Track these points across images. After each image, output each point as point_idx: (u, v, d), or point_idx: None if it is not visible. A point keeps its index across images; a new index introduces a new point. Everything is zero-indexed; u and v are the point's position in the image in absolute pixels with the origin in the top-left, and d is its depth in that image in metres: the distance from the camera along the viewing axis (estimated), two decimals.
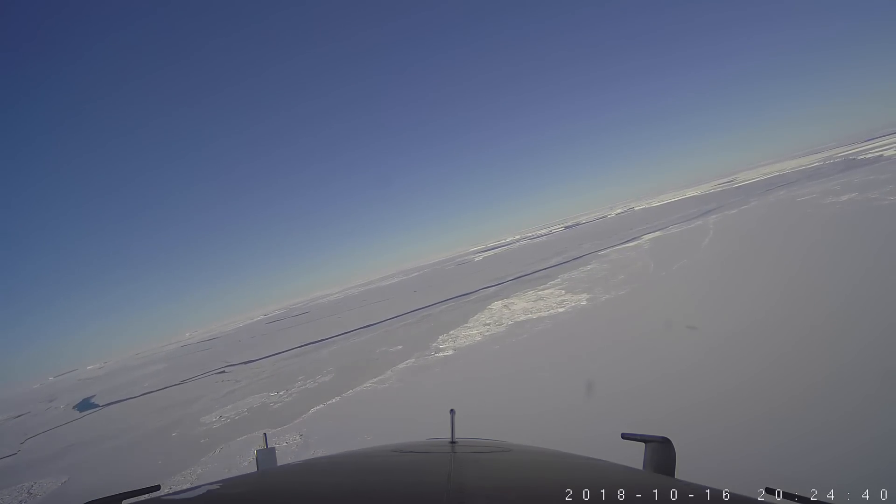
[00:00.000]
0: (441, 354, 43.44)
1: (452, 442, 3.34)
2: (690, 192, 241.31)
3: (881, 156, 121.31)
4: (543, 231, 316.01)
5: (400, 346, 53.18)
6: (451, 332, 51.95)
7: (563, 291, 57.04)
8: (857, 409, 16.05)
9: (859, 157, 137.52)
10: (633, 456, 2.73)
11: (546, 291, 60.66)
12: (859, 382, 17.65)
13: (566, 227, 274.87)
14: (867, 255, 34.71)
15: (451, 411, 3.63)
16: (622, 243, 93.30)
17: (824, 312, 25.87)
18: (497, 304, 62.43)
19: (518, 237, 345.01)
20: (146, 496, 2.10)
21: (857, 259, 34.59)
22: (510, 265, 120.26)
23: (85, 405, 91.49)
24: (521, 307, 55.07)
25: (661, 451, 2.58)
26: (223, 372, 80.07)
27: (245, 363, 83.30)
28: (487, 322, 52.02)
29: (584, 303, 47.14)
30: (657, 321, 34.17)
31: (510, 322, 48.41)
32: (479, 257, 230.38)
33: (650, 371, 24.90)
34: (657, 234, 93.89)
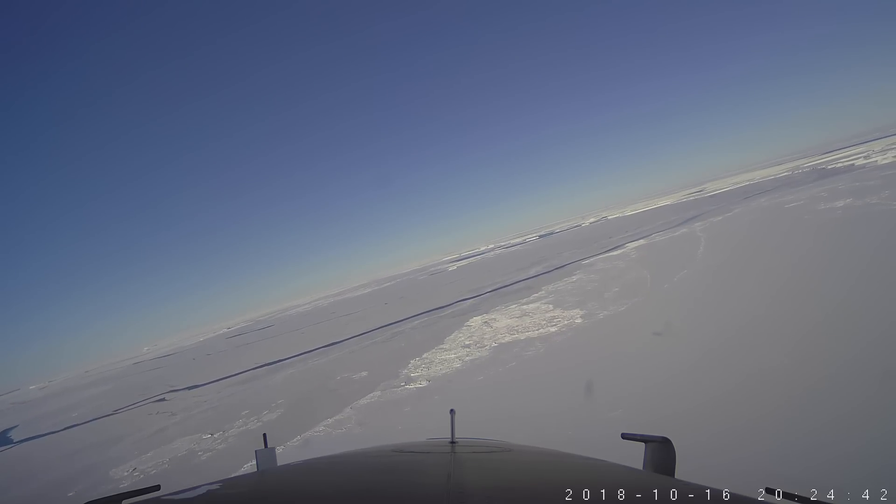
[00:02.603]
0: (412, 386, 35.97)
1: (452, 442, 3.33)
2: (662, 202, 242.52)
3: (853, 164, 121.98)
4: (518, 240, 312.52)
5: (364, 373, 45.35)
6: (425, 356, 44.51)
7: (550, 306, 50.60)
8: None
9: (829, 167, 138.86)
10: (633, 456, 2.73)
11: (531, 306, 54.12)
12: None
13: (541, 236, 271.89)
14: (879, 258, 32.53)
15: (451, 411, 3.58)
16: (605, 252, 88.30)
17: (832, 312, 25.49)
18: (476, 321, 55.42)
19: (492, 246, 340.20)
20: (146, 496, 2.08)
21: (869, 262, 32.31)
22: (487, 275, 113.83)
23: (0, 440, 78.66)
24: (504, 325, 48.25)
25: (661, 451, 2.55)
26: (162, 400, 69.74)
27: (189, 388, 73.18)
28: (466, 343, 44.86)
29: (578, 320, 40.69)
30: (675, 341, 28.18)
31: (493, 344, 41.42)
32: (454, 267, 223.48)
33: (691, 403, 18.41)
34: (641, 241, 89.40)
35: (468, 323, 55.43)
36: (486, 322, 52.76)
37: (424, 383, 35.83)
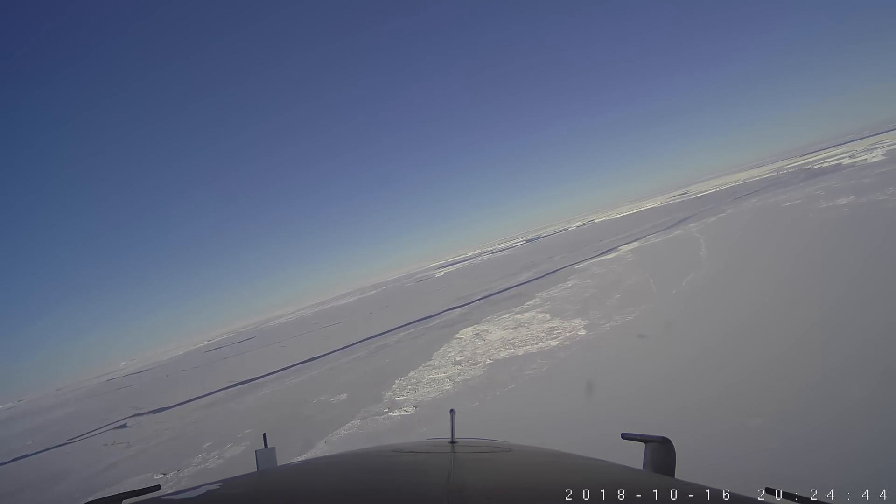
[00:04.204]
0: (397, 413, 31.28)
1: (452, 442, 3.29)
2: (648, 205, 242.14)
3: (839, 164, 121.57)
4: (504, 245, 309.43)
5: (344, 395, 40.47)
6: (411, 375, 39.83)
7: (547, 315, 46.44)
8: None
9: (815, 167, 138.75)
10: (633, 456, 2.68)
11: (526, 315, 49.89)
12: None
13: (528, 241, 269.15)
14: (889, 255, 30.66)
15: (451, 411, 3.54)
16: (599, 255, 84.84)
17: (833, 311, 24.46)
18: (467, 332, 50.94)
19: (478, 251, 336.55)
20: (146, 496, 2.07)
21: (883, 259, 30.25)
22: (476, 282, 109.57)
23: None
24: (497, 337, 43.87)
25: (661, 451, 2.53)
26: (123, 427, 63.33)
27: (154, 412, 66.87)
28: (458, 359, 40.31)
29: (582, 332, 36.54)
30: (687, 347, 24.35)
31: (488, 360, 36.98)
32: (440, 273, 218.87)
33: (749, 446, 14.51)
34: (635, 244, 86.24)
35: (458, 335, 50.91)
36: (477, 334, 48.33)
37: (411, 410, 31.17)
